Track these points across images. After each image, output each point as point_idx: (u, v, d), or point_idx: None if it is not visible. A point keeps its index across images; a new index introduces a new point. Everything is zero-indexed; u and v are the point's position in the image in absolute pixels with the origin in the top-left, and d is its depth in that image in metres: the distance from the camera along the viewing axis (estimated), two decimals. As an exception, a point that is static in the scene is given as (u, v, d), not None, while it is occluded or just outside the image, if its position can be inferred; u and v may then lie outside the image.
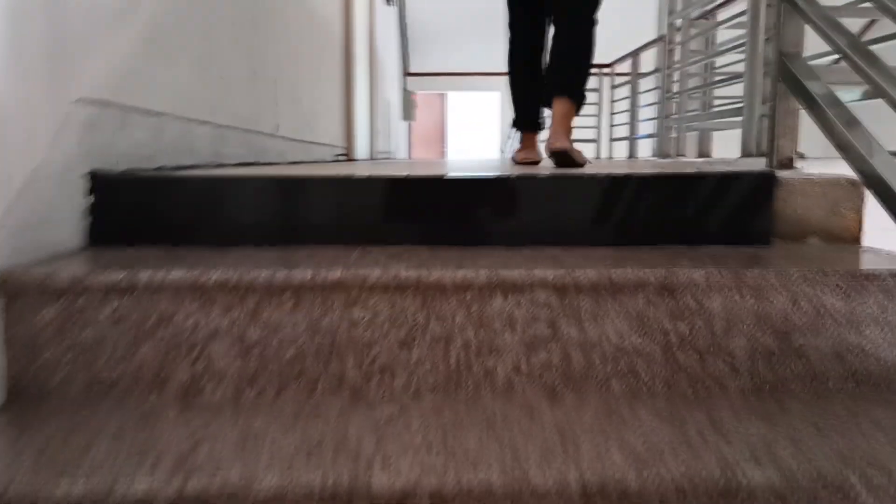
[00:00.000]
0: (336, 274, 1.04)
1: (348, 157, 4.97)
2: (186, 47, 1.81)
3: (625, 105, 6.95)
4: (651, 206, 1.31)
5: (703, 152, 4.57)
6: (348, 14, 4.96)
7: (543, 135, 2.45)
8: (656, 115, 6.75)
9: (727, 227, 1.31)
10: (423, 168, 1.98)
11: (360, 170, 1.65)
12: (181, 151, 1.74)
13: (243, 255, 1.19)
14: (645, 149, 6.94)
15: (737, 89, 3.90)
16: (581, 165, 2.14)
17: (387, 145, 9.35)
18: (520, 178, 1.33)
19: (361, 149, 6.77)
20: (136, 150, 1.48)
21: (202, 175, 1.37)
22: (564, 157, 2.08)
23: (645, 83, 7.19)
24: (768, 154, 1.43)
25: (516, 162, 2.52)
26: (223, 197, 1.30)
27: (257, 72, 2.49)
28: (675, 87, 3.78)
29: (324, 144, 3.97)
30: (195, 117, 1.85)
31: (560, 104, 2.16)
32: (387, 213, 1.29)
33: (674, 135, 3.89)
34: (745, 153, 2.88)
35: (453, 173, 1.35)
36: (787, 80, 1.39)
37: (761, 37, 2.77)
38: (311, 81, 3.63)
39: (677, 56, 3.74)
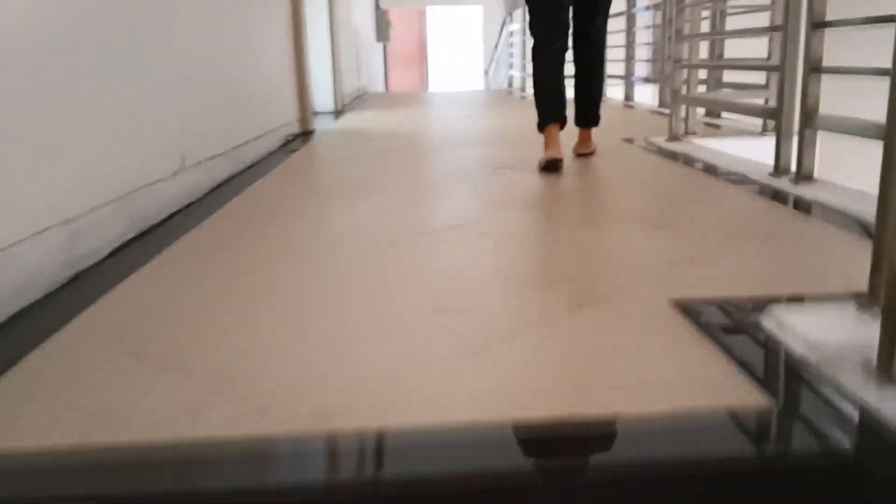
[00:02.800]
0: None
1: (304, 131, 4.30)
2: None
3: (620, 38, 6.18)
4: None
5: (713, 112, 3.95)
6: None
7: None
8: (654, 57, 6.02)
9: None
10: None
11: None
12: (-13, 308, 1.17)
13: None
14: (643, 93, 6.24)
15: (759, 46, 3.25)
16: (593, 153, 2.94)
17: (357, 81, 8.54)
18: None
19: (323, 103, 6.04)
20: None
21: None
22: (586, 156, 2.87)
23: (642, 18, 6.41)
24: (881, 357, 0.89)
25: (543, 167, 2.59)
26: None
27: (148, 96, 1.85)
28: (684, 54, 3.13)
29: (265, 134, 3.32)
30: (18, 238, 1.27)
31: (584, 131, 2.94)
32: None
33: (682, 114, 3.26)
34: (780, 169, 2.30)
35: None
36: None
37: (803, 20, 2.13)
38: (240, 58, 2.95)
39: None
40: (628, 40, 6.07)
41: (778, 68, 2.29)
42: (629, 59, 6.11)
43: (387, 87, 14.10)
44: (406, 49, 15.16)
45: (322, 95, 6.06)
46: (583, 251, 1.56)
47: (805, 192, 2.06)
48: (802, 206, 1.96)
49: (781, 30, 2.24)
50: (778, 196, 2.08)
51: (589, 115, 2.90)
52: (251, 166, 2.96)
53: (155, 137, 1.94)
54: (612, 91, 6.89)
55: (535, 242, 1.69)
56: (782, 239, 1.64)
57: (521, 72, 8.58)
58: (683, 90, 3.21)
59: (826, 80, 2.07)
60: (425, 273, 1.43)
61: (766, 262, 1.46)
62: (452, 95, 8.46)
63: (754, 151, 3.08)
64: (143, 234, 1.78)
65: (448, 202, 2.15)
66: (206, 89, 2.42)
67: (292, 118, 4.11)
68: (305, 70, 4.32)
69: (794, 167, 2.27)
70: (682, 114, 3.32)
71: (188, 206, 2.14)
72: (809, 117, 2.10)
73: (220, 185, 2.50)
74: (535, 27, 2.69)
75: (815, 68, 2.09)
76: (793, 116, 2.25)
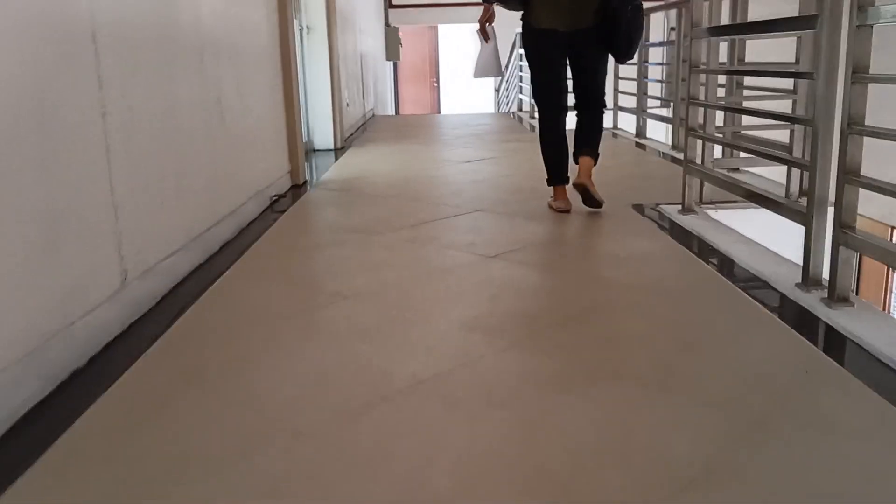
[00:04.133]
0: None
1: (295, 184, 4.04)
2: None
3: (632, 71, 5.88)
4: None
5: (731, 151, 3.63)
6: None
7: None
8: (666, 97, 5.72)
9: None
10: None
11: None
12: None
13: None
14: (656, 129, 5.94)
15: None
16: (600, 204, 3.07)
17: (363, 108, 8.31)
18: None
19: (323, 140, 5.81)
20: None
21: None
22: (585, 191, 3.03)
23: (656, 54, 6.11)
24: None
25: (552, 208, 3.23)
26: None
27: (67, 197, 1.61)
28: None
29: (243, 204, 3.07)
30: None
31: (584, 159, 3.07)
32: None
33: (695, 182, 2.98)
34: (808, 281, 2.01)
35: None
36: None
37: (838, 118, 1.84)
38: (212, 119, 2.70)
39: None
40: (640, 74, 5.78)
41: (808, 167, 2.00)
42: (641, 93, 5.81)
43: (396, 108, 13.87)
44: (417, 64, 14.93)
45: (322, 132, 5.83)
46: (567, 445, 1.27)
47: (841, 321, 1.77)
48: (837, 347, 1.66)
49: (811, 125, 1.95)
50: (808, 327, 1.79)
51: (589, 143, 3.11)
52: (225, 245, 2.71)
53: (81, 253, 1.69)
54: (624, 123, 6.59)
55: (512, 423, 1.38)
56: (819, 426, 1.32)
57: (529, 97, 8.30)
58: (698, 160, 2.93)
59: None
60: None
61: (805, 478, 1.16)
62: (461, 122, 8.19)
63: (778, 227, 2.78)
64: (61, 388, 1.53)
65: (423, 328, 1.87)
66: (160, 168, 2.17)
67: (281, 172, 3.86)
68: (297, 118, 4.07)
69: (825, 273, 1.98)
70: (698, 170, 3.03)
71: (130, 326, 1.89)
72: (845, 232, 1.81)
73: (179, 284, 2.25)
74: (535, 83, 3.25)
75: (850, 174, 1.80)
76: (825, 223, 1.96)
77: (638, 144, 5.64)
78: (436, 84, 15.24)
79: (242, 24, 3.13)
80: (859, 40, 1.71)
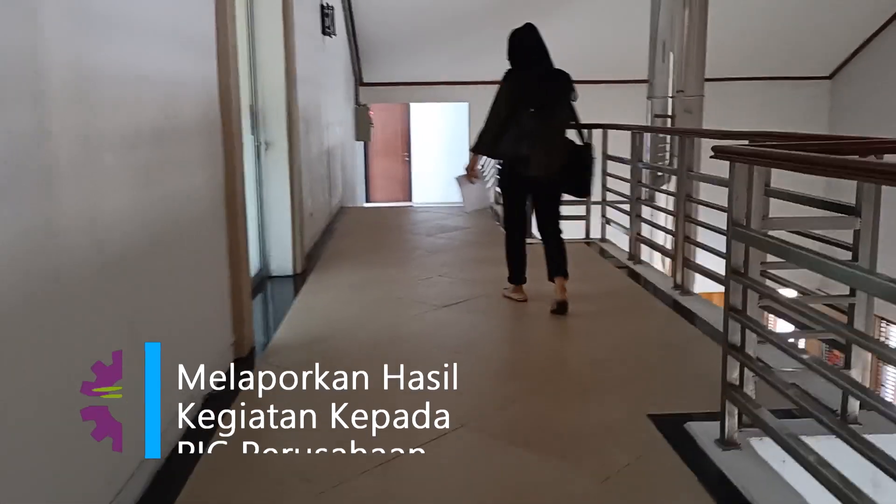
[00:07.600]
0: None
1: (238, 358, 3.36)
2: None
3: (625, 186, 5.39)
4: None
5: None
6: (226, 99, 3.32)
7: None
8: (665, 226, 5.22)
9: None
10: None
11: None
12: None
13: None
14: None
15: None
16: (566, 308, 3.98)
17: (329, 204, 7.72)
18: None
19: (281, 265, 5.16)
20: None
21: None
22: (564, 305, 3.92)
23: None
24: None
25: (506, 296, 4.22)
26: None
27: None
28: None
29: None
30: None
31: (559, 279, 3.97)
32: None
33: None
34: None
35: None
36: None
37: None
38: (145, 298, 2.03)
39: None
40: (633, 194, 5.28)
41: None
42: (634, 215, 5.29)
43: (367, 185, 13.34)
44: (389, 139, 14.55)
45: (279, 257, 5.19)
46: None
47: None
48: None
49: None
50: None
51: (561, 266, 3.99)
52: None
53: None
54: (613, 235, 6.07)
55: None
56: None
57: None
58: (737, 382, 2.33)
59: None
60: None
61: None
62: (435, 222, 7.62)
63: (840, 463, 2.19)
64: None
65: None
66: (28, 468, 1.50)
67: (223, 347, 3.19)
68: (245, 281, 3.42)
69: None
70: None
71: None
72: None
73: None
74: (509, 215, 4.15)
75: None
76: None
77: (631, 273, 5.08)
78: (407, 158, 14.84)
79: (171, 211, 2.49)
80: None
